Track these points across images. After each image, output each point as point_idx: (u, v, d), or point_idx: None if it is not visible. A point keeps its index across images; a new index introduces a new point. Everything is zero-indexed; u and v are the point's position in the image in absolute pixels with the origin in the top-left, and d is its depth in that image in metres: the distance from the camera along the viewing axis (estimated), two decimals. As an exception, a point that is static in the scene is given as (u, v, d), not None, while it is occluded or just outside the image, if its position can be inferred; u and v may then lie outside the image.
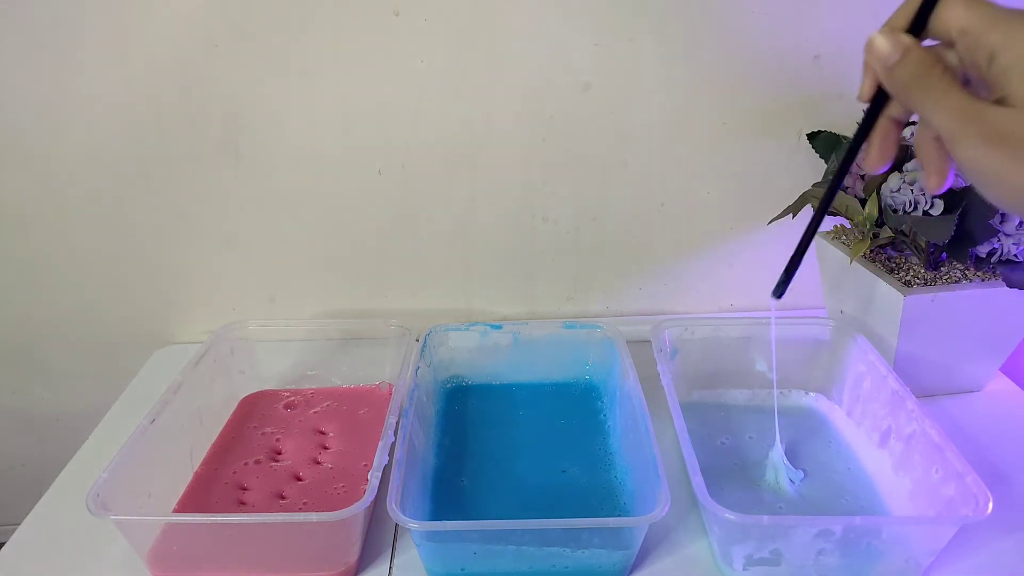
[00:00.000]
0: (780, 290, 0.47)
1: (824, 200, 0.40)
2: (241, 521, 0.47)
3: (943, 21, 0.30)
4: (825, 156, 0.67)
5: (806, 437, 0.60)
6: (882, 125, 0.35)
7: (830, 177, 0.65)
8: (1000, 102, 0.29)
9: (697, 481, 0.46)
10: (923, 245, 0.59)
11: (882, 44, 0.31)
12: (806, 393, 0.64)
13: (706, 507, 0.44)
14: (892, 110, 0.34)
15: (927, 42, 0.32)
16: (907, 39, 0.31)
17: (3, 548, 0.52)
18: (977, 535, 0.50)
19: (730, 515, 0.43)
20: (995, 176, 0.29)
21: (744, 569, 0.47)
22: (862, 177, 0.60)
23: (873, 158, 0.35)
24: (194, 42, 0.63)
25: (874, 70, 0.32)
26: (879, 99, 0.34)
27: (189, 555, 0.48)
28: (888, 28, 0.32)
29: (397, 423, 0.53)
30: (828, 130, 0.67)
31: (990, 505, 0.43)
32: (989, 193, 0.30)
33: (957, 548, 0.48)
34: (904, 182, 0.56)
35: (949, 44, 0.31)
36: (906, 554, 0.46)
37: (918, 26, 0.31)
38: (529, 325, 0.65)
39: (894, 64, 0.31)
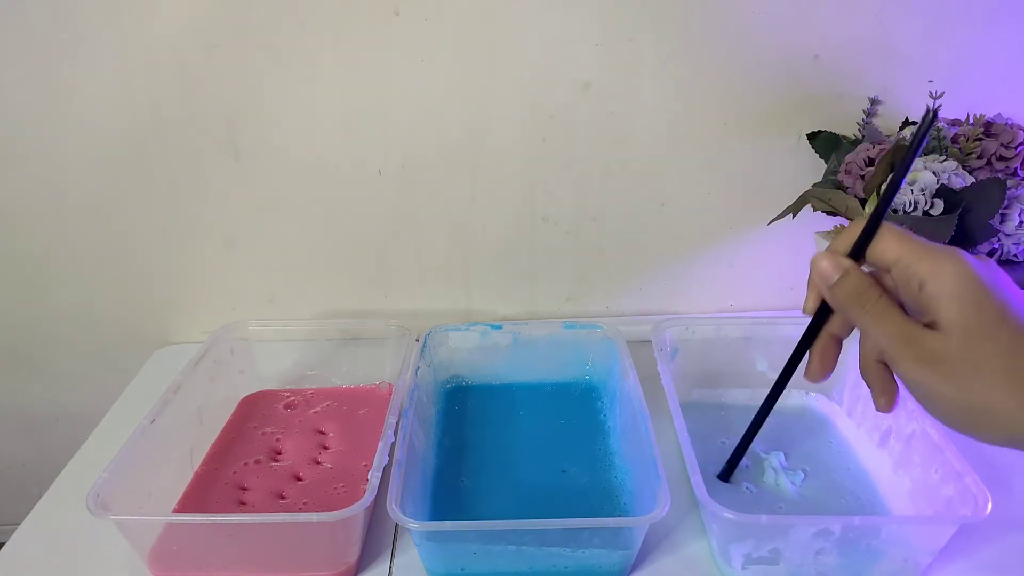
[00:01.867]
0: (726, 475, 0.52)
1: (765, 405, 0.45)
2: (241, 521, 0.47)
3: (879, 250, 0.34)
4: (825, 156, 0.67)
5: (807, 437, 0.60)
6: (823, 339, 0.38)
7: (831, 177, 0.65)
8: (930, 325, 0.32)
9: (696, 480, 0.46)
10: (923, 245, 0.59)
11: (824, 265, 0.35)
12: (807, 393, 0.64)
13: (705, 506, 0.44)
14: (833, 326, 0.38)
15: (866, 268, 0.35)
16: (847, 262, 0.35)
17: (3, 548, 0.52)
18: (976, 535, 0.50)
19: (729, 514, 0.43)
20: (931, 393, 0.31)
21: (743, 568, 0.47)
22: (862, 177, 0.60)
23: (814, 369, 0.39)
24: (194, 42, 0.63)
25: (816, 287, 0.36)
26: (821, 313, 0.37)
27: (189, 555, 0.48)
28: (831, 251, 0.36)
29: (397, 423, 0.53)
30: (828, 130, 0.67)
31: (989, 505, 0.43)
32: (928, 407, 0.32)
33: (956, 548, 0.48)
34: (904, 182, 0.56)
35: (885, 270, 0.34)
36: (905, 554, 0.46)
37: (857, 251, 0.35)
38: (529, 325, 0.65)
39: (834, 283, 0.35)
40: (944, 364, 0.31)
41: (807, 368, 0.39)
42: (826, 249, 0.36)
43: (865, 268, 0.35)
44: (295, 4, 0.62)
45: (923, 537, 0.45)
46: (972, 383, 0.30)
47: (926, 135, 0.33)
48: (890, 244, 0.34)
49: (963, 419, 0.31)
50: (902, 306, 0.34)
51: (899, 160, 0.37)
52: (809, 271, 0.36)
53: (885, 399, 0.36)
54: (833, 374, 0.61)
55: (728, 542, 0.46)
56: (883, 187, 0.36)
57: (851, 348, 0.61)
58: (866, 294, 0.34)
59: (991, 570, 0.48)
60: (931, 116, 0.33)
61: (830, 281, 0.35)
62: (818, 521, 0.44)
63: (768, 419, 0.62)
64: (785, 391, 0.63)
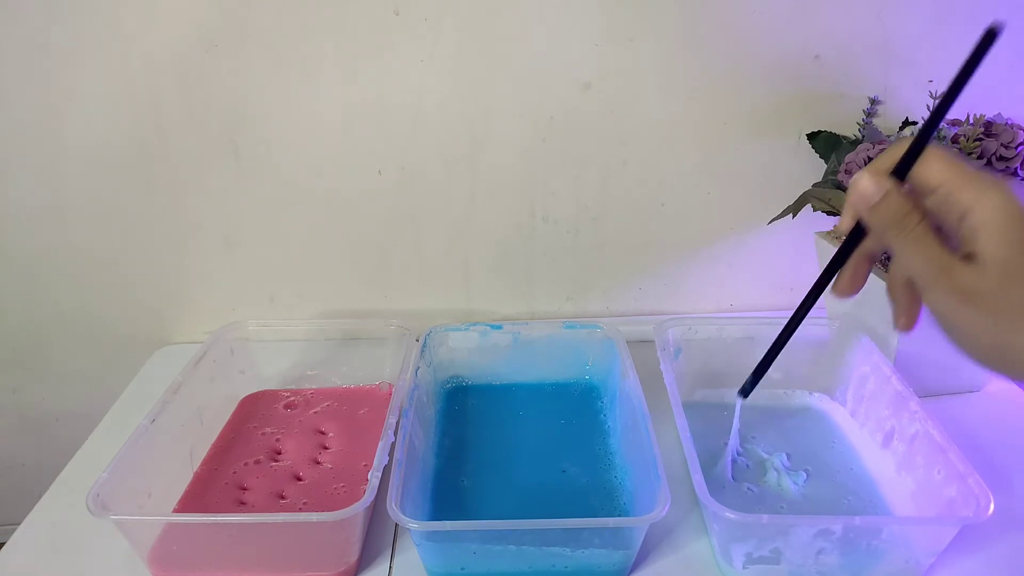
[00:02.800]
0: (748, 390, 0.50)
1: (797, 313, 0.43)
2: (241, 521, 0.47)
3: (923, 172, 0.32)
4: (825, 156, 0.67)
5: (809, 437, 0.60)
6: (856, 257, 0.37)
7: (831, 177, 0.65)
8: (968, 258, 0.31)
9: (698, 479, 0.46)
10: (923, 245, 0.59)
11: (865, 184, 0.33)
12: (810, 393, 0.64)
13: (707, 506, 0.44)
14: (867, 245, 0.36)
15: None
16: (889, 182, 0.33)
17: (3, 548, 0.52)
18: (978, 536, 0.50)
19: (730, 514, 0.43)
20: (960, 326, 0.31)
21: (744, 568, 0.47)
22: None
23: (843, 286, 0.37)
24: (194, 42, 0.63)
25: (855, 207, 0.34)
26: (856, 234, 0.36)
27: (189, 555, 0.48)
28: (873, 169, 0.34)
29: (397, 423, 0.53)
30: (828, 130, 0.67)
31: (991, 506, 0.43)
32: (953, 338, 0.32)
33: (958, 549, 0.48)
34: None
35: (926, 194, 0.33)
36: (907, 554, 0.46)
37: (901, 172, 0.33)
38: (529, 325, 0.65)
39: (875, 205, 0.33)
40: (978, 299, 0.30)
41: (836, 284, 0.38)
42: (867, 167, 0.34)
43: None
44: (295, 4, 0.62)
45: (925, 538, 0.45)
46: (1005, 321, 0.29)
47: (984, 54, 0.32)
48: (936, 167, 0.32)
49: (990, 355, 0.30)
50: (940, 231, 0.32)
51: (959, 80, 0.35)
52: (848, 191, 0.34)
53: (906, 319, 0.35)
54: (838, 370, 0.61)
55: (729, 542, 0.46)
56: (936, 103, 0.35)
57: (856, 347, 0.61)
58: (907, 218, 0.32)
59: (993, 571, 0.48)
60: (992, 36, 0.31)
61: (870, 201, 0.33)
62: (819, 521, 0.44)
63: (770, 419, 0.62)
64: (788, 391, 0.64)
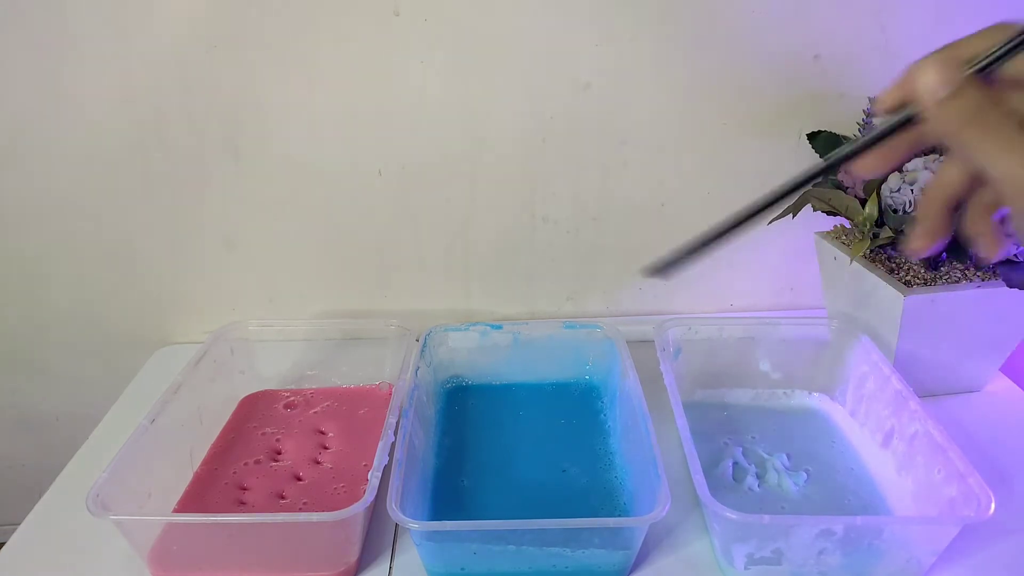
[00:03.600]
0: (661, 269, 0.37)
1: (794, 184, 0.35)
2: (241, 521, 0.47)
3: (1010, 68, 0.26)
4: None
5: (809, 437, 0.60)
6: (899, 141, 0.30)
7: (831, 177, 0.65)
8: None
9: (699, 480, 0.46)
10: (924, 245, 0.59)
11: (933, 74, 0.27)
12: (809, 394, 0.64)
13: (707, 506, 0.44)
14: (917, 134, 0.29)
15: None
16: (963, 73, 0.26)
17: (3, 548, 0.52)
18: (979, 536, 0.50)
19: (731, 514, 0.43)
20: None
21: (745, 568, 0.47)
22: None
23: (868, 163, 0.31)
24: (194, 42, 0.63)
25: (908, 91, 0.28)
26: (904, 120, 0.29)
27: (189, 555, 0.48)
28: (943, 56, 0.27)
29: (397, 423, 0.53)
30: (828, 130, 0.67)
31: (992, 506, 0.43)
32: None
33: (959, 549, 0.48)
34: (904, 182, 0.56)
35: (1013, 89, 0.27)
36: (908, 554, 0.46)
37: (985, 70, 0.26)
38: (529, 325, 0.65)
39: (944, 98, 0.27)
40: None
41: (860, 160, 0.31)
42: (938, 52, 0.28)
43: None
44: (295, 4, 0.62)
45: (926, 538, 0.45)
46: None
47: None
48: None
49: None
50: None
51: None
52: (906, 74, 0.28)
53: (923, 238, 0.30)
54: (837, 370, 0.60)
55: (730, 542, 0.46)
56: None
57: (855, 347, 0.61)
58: (989, 113, 0.26)
59: (994, 571, 0.48)
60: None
61: (939, 95, 0.26)
62: (820, 521, 0.44)
63: (770, 419, 0.62)
64: (788, 391, 0.64)
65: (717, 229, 0.36)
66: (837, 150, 0.32)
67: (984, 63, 0.26)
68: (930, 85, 0.27)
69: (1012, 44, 0.26)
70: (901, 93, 0.28)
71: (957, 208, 0.31)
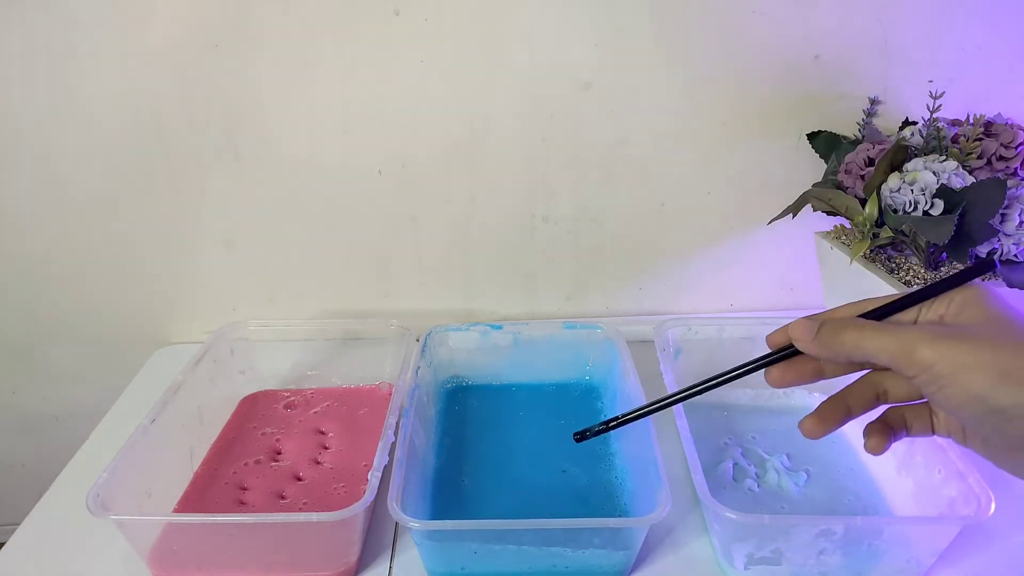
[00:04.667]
0: (584, 437, 0.41)
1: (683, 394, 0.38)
2: (241, 521, 0.47)
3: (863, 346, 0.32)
4: (825, 156, 0.67)
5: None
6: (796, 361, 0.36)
7: (831, 177, 0.64)
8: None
9: (699, 480, 0.46)
10: (923, 245, 0.59)
11: (798, 328, 0.34)
12: (809, 394, 0.64)
13: (708, 506, 0.44)
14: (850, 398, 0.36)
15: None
16: (818, 320, 0.34)
17: (3, 548, 0.52)
18: (979, 535, 0.50)
19: (731, 514, 0.43)
20: (962, 365, 0.29)
21: (745, 568, 0.47)
22: (862, 177, 0.60)
23: (775, 376, 0.36)
24: (194, 42, 0.63)
25: (796, 343, 0.35)
26: (784, 352, 0.36)
27: (189, 555, 0.48)
28: (809, 318, 0.35)
29: (397, 423, 0.53)
30: (828, 130, 0.67)
31: (992, 506, 0.43)
32: (948, 395, 0.30)
33: (959, 549, 0.48)
34: (904, 182, 0.56)
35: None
36: (908, 554, 0.46)
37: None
38: (529, 325, 0.65)
39: (814, 337, 0.34)
40: (966, 333, 0.30)
41: (769, 373, 0.37)
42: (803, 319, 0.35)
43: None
44: (295, 4, 0.62)
45: (926, 538, 0.45)
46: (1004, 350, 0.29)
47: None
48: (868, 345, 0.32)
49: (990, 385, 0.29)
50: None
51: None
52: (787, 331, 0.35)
53: (877, 440, 0.35)
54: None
55: (730, 542, 0.46)
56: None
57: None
58: (848, 324, 0.33)
59: (993, 571, 0.48)
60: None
61: (808, 338, 0.34)
62: (820, 521, 0.44)
63: (770, 420, 0.62)
64: (787, 391, 0.64)
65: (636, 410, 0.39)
66: (726, 372, 0.37)
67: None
68: (800, 337, 0.34)
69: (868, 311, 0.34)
70: (783, 336, 0.36)
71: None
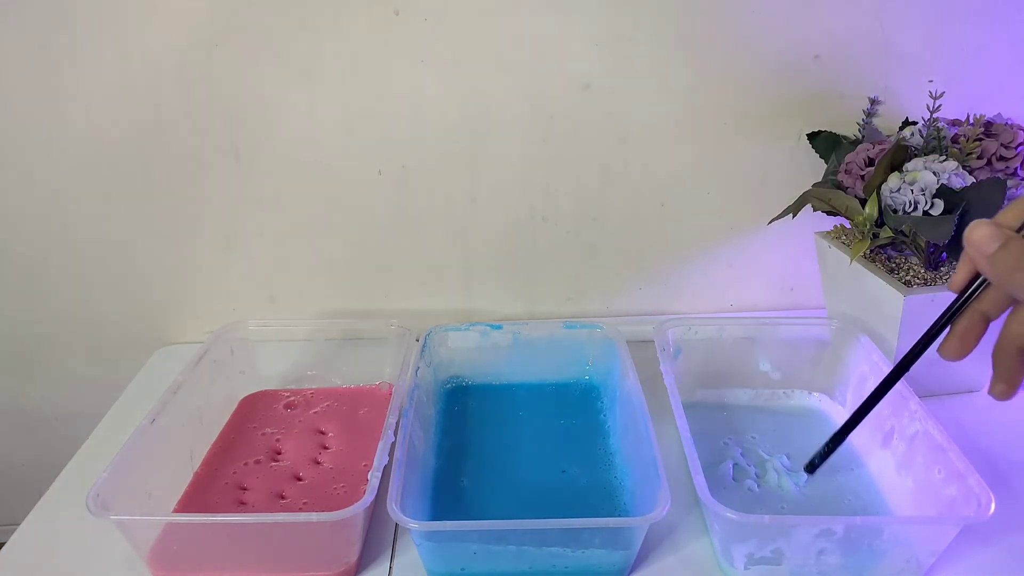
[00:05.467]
0: (814, 467, 0.45)
1: (899, 367, 0.39)
2: (241, 521, 0.47)
3: None
4: (825, 156, 0.67)
5: (809, 437, 0.59)
6: (970, 315, 0.34)
7: (831, 177, 0.64)
8: None
9: (699, 480, 0.46)
10: (923, 245, 0.59)
11: (982, 233, 0.32)
12: (809, 394, 0.64)
13: (708, 506, 0.44)
14: (984, 303, 0.34)
15: None
16: (1009, 231, 0.31)
17: (3, 548, 0.52)
18: (978, 536, 0.50)
19: (732, 514, 0.43)
20: None
21: (745, 568, 0.47)
22: (862, 177, 0.60)
23: (953, 346, 0.35)
24: (194, 42, 0.63)
25: (971, 259, 0.32)
26: (970, 290, 0.34)
27: (189, 555, 0.48)
28: (991, 222, 0.32)
29: (397, 423, 0.53)
30: (828, 130, 0.67)
31: (992, 506, 0.43)
32: None
33: (959, 549, 0.48)
34: (904, 182, 0.56)
35: None
36: (908, 554, 0.46)
37: None
38: (529, 325, 0.65)
39: (994, 252, 0.31)
40: None
41: (944, 344, 0.36)
42: (985, 220, 0.33)
43: None
44: (295, 4, 0.62)
45: (926, 537, 0.45)
46: None
47: None
48: None
49: None
50: None
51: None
52: (964, 243, 0.33)
53: (1004, 387, 0.33)
54: (837, 370, 0.61)
55: (730, 542, 0.46)
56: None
57: (855, 347, 0.61)
58: None
59: (993, 571, 0.48)
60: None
61: (988, 250, 0.31)
62: (821, 521, 0.44)
63: (770, 420, 0.62)
64: (787, 391, 0.64)
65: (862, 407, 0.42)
66: (927, 332, 0.37)
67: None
68: (980, 244, 0.32)
69: None
70: (967, 264, 0.34)
71: (988, 324, 0.35)
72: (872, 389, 0.58)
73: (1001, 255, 0.31)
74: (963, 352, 0.35)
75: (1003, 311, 0.34)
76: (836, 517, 0.47)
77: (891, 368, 0.40)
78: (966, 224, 0.54)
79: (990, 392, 0.34)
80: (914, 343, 0.38)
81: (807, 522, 0.45)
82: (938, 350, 0.36)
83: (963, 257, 0.34)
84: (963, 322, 0.35)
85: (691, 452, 0.48)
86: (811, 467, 0.46)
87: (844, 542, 0.44)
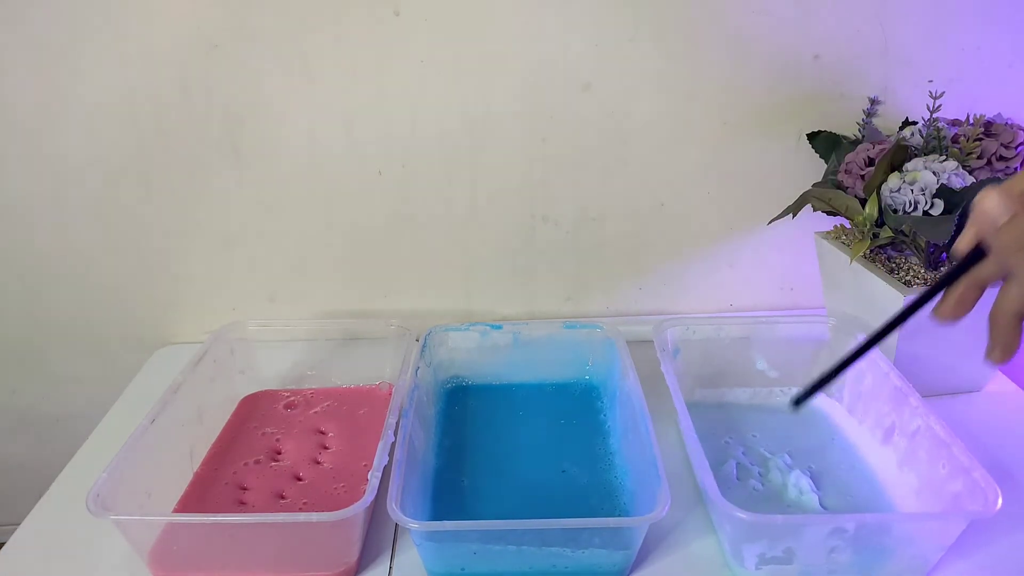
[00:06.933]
0: (800, 402, 0.43)
1: (882, 331, 0.39)
2: (241, 521, 0.47)
3: None
4: (825, 156, 0.67)
5: (808, 436, 0.59)
6: (968, 282, 0.34)
7: (831, 177, 0.64)
8: None
9: (708, 480, 0.46)
10: (923, 245, 0.59)
11: (993, 203, 0.31)
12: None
13: (719, 506, 0.44)
14: (983, 271, 0.34)
15: None
16: (1018, 204, 0.31)
17: (3, 548, 0.52)
18: (982, 531, 0.50)
19: (743, 514, 0.43)
20: None
21: (757, 568, 0.46)
22: (862, 177, 0.60)
23: (948, 309, 0.35)
24: (194, 42, 0.63)
25: (978, 227, 0.32)
26: (973, 256, 0.34)
27: (189, 555, 0.48)
28: (1002, 190, 0.32)
29: (397, 423, 0.53)
30: (828, 130, 0.67)
31: (999, 500, 0.43)
32: None
33: (965, 544, 0.48)
34: (904, 182, 0.56)
35: None
36: (915, 551, 0.46)
37: None
38: (529, 325, 0.65)
39: (1001, 225, 0.31)
40: None
41: (939, 306, 0.35)
42: (999, 186, 0.32)
43: None
44: (295, 4, 0.62)
45: (933, 533, 0.45)
46: None
47: None
48: None
49: None
50: None
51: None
52: (972, 209, 0.33)
53: (1002, 353, 0.33)
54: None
55: (741, 542, 0.46)
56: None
57: (852, 345, 0.61)
58: None
59: (1000, 566, 0.48)
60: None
61: (997, 222, 0.31)
62: (833, 520, 0.44)
63: (770, 419, 0.62)
64: (786, 389, 0.64)
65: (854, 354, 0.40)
66: (921, 294, 0.36)
67: None
68: (989, 214, 0.31)
69: None
70: (974, 230, 0.33)
71: (983, 292, 0.34)
72: (872, 388, 0.58)
73: (1006, 229, 0.31)
74: (957, 315, 0.35)
75: (998, 279, 0.34)
76: (848, 515, 0.47)
77: (885, 322, 0.39)
78: (964, 225, 0.54)
79: (987, 357, 0.34)
80: (916, 300, 0.37)
81: (819, 521, 0.45)
82: (933, 311, 0.36)
83: (969, 222, 0.34)
84: (960, 287, 0.35)
85: (697, 452, 0.48)
86: (797, 402, 0.43)
87: (854, 540, 0.44)
